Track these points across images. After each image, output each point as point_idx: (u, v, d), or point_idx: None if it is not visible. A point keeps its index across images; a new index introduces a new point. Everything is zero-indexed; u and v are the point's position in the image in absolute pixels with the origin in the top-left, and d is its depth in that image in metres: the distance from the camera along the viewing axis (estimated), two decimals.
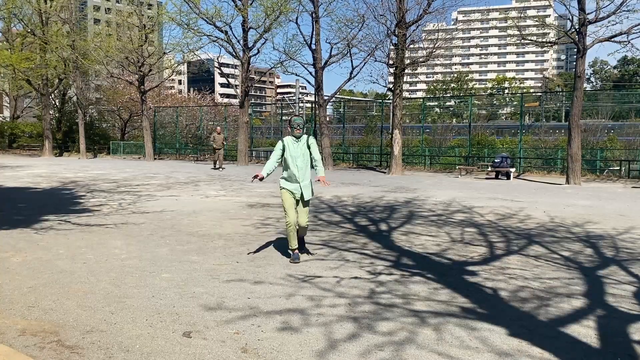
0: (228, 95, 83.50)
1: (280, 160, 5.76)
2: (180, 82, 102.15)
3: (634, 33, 15.46)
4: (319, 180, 5.61)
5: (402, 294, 4.54)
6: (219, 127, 22.64)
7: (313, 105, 28.24)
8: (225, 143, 21.92)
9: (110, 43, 29.23)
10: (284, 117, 41.45)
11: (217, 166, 21.30)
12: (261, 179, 5.43)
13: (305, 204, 5.76)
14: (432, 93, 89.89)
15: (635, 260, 6.04)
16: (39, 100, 35.81)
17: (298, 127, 5.67)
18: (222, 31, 24.68)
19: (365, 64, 34.31)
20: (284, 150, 5.72)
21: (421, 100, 32.84)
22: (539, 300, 4.43)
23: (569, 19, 16.18)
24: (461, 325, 3.81)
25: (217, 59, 27.12)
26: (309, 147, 5.74)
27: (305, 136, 5.77)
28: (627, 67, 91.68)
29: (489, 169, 20.07)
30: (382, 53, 22.58)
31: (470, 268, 5.54)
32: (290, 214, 5.61)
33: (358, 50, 29.09)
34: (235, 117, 33.87)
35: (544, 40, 19.57)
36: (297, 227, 5.72)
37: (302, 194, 5.68)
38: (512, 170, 19.17)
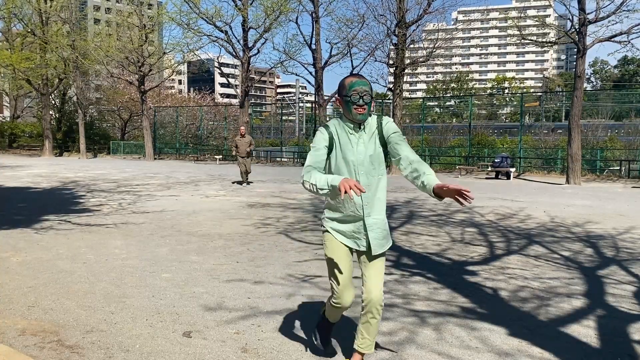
0: (228, 95, 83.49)
1: (325, 167, 2.74)
2: (180, 82, 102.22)
3: (634, 33, 15.50)
4: (442, 192, 2.40)
5: (402, 294, 4.54)
6: (242, 127, 15.63)
7: (313, 105, 28.23)
8: (252, 149, 15.16)
9: (110, 43, 29.30)
10: (284, 117, 41.23)
11: (244, 179, 15.29)
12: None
13: (377, 260, 2.80)
14: (432, 93, 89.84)
15: (635, 260, 6.04)
16: (39, 100, 35.86)
17: (361, 104, 2.62)
18: (222, 31, 24.73)
19: (365, 63, 34.38)
20: (330, 147, 2.72)
21: (421, 100, 32.84)
22: (539, 300, 4.43)
23: (569, 19, 16.20)
24: (461, 325, 3.81)
25: (217, 59, 27.17)
26: (383, 142, 2.74)
27: (373, 118, 2.75)
28: (627, 67, 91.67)
29: (489, 168, 20.07)
30: (382, 53, 22.69)
31: (471, 268, 5.54)
32: (343, 286, 2.77)
33: (358, 50, 29.20)
34: (235, 117, 33.89)
35: (544, 40, 19.59)
36: (366, 304, 2.76)
37: (369, 244, 2.75)
38: (512, 170, 19.19)
